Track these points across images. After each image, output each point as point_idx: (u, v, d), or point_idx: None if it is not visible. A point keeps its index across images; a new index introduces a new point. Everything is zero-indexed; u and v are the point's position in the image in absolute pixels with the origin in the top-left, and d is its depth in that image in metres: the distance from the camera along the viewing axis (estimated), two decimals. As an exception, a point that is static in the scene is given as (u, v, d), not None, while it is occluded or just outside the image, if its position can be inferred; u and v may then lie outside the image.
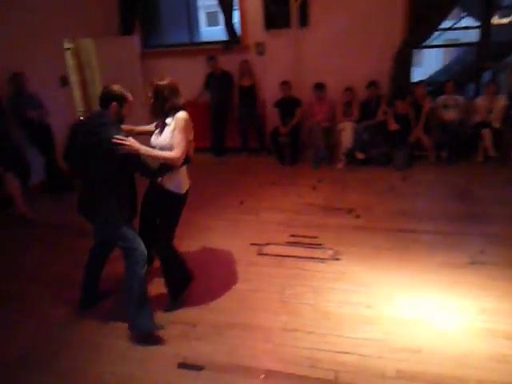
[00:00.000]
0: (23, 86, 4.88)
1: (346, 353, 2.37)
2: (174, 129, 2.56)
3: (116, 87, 2.55)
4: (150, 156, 2.55)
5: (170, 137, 2.58)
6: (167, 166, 2.58)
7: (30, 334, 2.73)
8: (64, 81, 5.81)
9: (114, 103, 2.51)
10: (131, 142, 2.42)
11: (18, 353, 2.56)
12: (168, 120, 2.62)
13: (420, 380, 2.16)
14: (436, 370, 2.22)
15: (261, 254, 3.53)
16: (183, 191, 2.74)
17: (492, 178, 5.02)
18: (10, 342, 2.66)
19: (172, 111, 2.61)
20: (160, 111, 2.64)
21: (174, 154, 2.54)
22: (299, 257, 3.43)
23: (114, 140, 2.35)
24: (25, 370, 2.43)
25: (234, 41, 6.54)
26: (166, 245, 2.80)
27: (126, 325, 2.66)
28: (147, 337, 2.57)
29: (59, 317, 2.88)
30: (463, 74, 8.20)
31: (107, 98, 2.52)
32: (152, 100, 2.63)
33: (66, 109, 5.80)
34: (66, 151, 2.67)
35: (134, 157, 2.45)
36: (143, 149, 2.48)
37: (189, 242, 3.80)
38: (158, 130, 2.71)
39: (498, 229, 3.71)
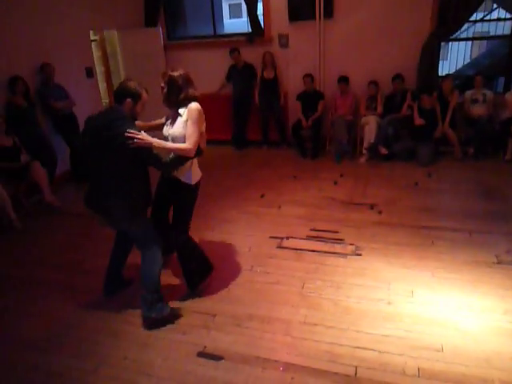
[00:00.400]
0: (51, 76, 4.99)
1: (366, 349, 2.35)
2: (187, 119, 2.56)
3: (132, 84, 2.54)
4: (163, 148, 2.53)
5: (182, 127, 2.57)
6: (180, 158, 2.56)
7: (51, 318, 2.81)
8: (90, 72, 5.90)
9: (129, 100, 2.51)
10: (143, 135, 2.42)
11: (38, 336, 2.64)
12: (181, 110, 2.61)
13: (441, 379, 2.12)
14: (458, 369, 2.18)
15: (280, 247, 3.53)
16: (194, 182, 2.75)
17: (520, 175, 4.86)
18: (31, 327, 2.74)
19: (186, 101, 2.60)
20: (174, 101, 2.62)
21: (187, 145, 2.53)
22: (319, 251, 3.41)
23: (127, 134, 2.36)
24: (45, 353, 2.50)
25: (257, 33, 6.50)
26: (181, 236, 2.83)
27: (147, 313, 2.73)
28: (163, 320, 2.64)
29: (80, 303, 2.95)
30: (493, 67, 7.96)
31: (122, 94, 2.52)
32: (166, 90, 2.62)
33: (92, 99, 5.89)
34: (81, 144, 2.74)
35: (147, 150, 2.45)
36: (156, 141, 2.48)
37: (209, 233, 3.85)
38: (169, 121, 2.71)
39: (526, 228, 3.60)
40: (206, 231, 3.89)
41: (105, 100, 6.76)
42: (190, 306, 2.83)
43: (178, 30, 7.43)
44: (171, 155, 2.56)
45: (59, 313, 2.87)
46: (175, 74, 2.60)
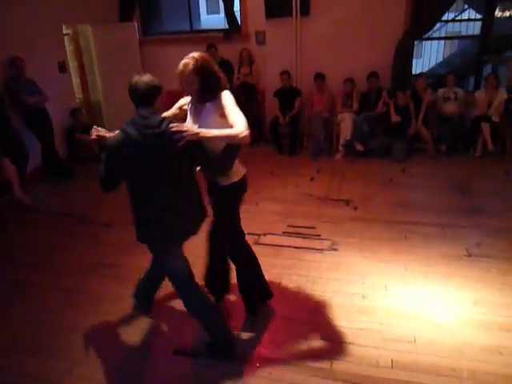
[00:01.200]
0: (22, 71, 4.83)
1: (342, 342, 2.39)
2: (221, 110, 2.11)
3: (155, 78, 2.10)
4: (213, 138, 2.05)
5: (219, 122, 2.11)
6: (233, 150, 2.14)
7: (23, 319, 2.75)
8: (62, 66, 5.76)
9: (159, 97, 2.11)
10: (186, 126, 2.04)
11: (10, 337, 2.58)
12: (208, 104, 2.16)
13: (414, 370, 2.18)
14: (430, 360, 2.24)
15: (258, 243, 3.54)
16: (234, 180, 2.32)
17: (490, 171, 5.02)
18: (3, 328, 2.68)
19: (219, 91, 2.15)
20: (215, 92, 2.14)
21: (241, 128, 2.00)
22: (296, 247, 3.44)
23: (172, 129, 1.98)
24: (18, 354, 2.45)
25: (234, 29, 6.48)
26: (234, 244, 2.46)
27: (119, 310, 2.73)
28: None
29: (53, 302, 2.89)
30: (464, 67, 8.18)
31: (154, 93, 2.07)
32: (200, 83, 2.10)
33: (65, 95, 5.76)
34: (108, 176, 2.12)
35: (199, 145, 2.06)
36: (203, 131, 2.02)
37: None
38: (191, 119, 2.26)
39: (495, 222, 3.72)
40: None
41: (78, 95, 6.60)
42: (164, 304, 2.81)
43: (154, 25, 7.34)
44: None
45: (31, 312, 2.80)
46: (200, 57, 2.11)
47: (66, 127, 5.81)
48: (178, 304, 2.77)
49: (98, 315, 2.73)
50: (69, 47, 6.33)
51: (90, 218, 4.20)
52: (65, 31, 6.09)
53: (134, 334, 2.55)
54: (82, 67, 6.63)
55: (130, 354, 2.41)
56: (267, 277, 2.71)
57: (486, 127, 5.34)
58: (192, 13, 7.17)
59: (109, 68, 6.45)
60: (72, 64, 6.37)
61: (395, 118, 5.58)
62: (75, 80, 6.49)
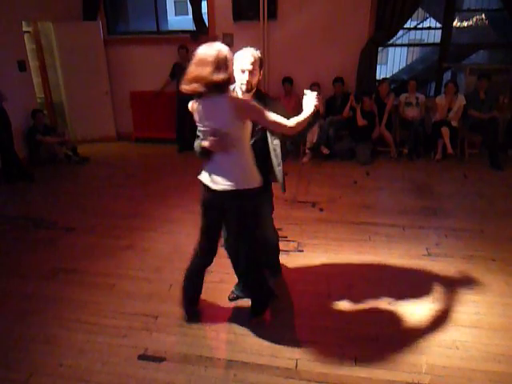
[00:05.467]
0: (-23, 69, 4.64)
1: (307, 341, 2.42)
2: (242, 114, 2.18)
3: None
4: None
5: (236, 126, 2.18)
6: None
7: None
8: (22, 65, 5.55)
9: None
10: None
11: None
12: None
13: (376, 367, 2.23)
14: (392, 357, 2.30)
15: (225, 245, 3.53)
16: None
17: (449, 174, 5.24)
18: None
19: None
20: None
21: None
22: (263, 249, 3.45)
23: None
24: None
25: (201, 31, 6.46)
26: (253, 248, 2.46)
27: (85, 318, 2.65)
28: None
29: (15, 309, 2.77)
30: (426, 73, 8.49)
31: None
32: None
33: (24, 94, 5.56)
34: None
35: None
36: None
37: (151, 234, 3.77)
38: (203, 113, 2.29)
39: (453, 223, 3.88)
40: (148, 232, 3.81)
41: (39, 96, 6.38)
42: (129, 308, 2.75)
43: (120, 24, 7.21)
44: None
45: (-14, 322, 2.67)
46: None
47: (27, 129, 5.60)
48: (141, 308, 2.73)
49: (59, 322, 2.64)
50: (29, 45, 6.12)
51: (50, 221, 4.06)
52: (25, 29, 5.89)
53: (96, 341, 2.48)
54: (43, 66, 6.43)
55: (93, 361, 2.34)
56: (231, 278, 2.70)
57: (445, 131, 5.56)
58: (159, 13, 7.09)
59: (72, 67, 6.29)
60: (33, 63, 6.16)
61: (362, 122, 5.72)
62: (36, 80, 6.28)
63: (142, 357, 2.34)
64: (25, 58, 5.65)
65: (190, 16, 6.65)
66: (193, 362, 2.29)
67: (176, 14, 18.05)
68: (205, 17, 6.51)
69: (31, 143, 5.63)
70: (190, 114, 2.33)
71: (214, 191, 2.27)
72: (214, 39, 6.30)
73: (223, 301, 2.81)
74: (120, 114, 6.85)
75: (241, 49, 2.37)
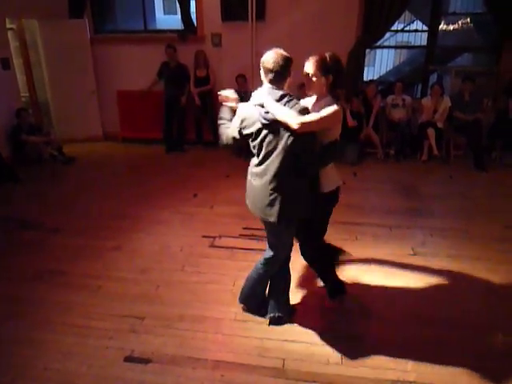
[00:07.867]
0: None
1: (294, 341, 2.43)
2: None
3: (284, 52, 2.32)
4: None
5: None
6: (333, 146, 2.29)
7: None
8: (6, 63, 5.46)
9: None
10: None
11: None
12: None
13: (362, 365, 2.26)
14: (377, 355, 2.32)
15: (213, 246, 3.53)
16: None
17: (435, 175, 5.31)
18: None
19: None
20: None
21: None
22: (251, 249, 3.45)
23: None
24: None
25: (190, 31, 6.44)
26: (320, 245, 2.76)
27: (71, 320, 2.62)
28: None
29: (1, 312, 2.74)
30: (412, 75, 8.59)
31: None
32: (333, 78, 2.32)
33: (8, 93, 5.47)
34: None
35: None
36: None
37: (139, 235, 3.75)
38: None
39: (439, 222, 3.94)
40: (136, 233, 3.78)
41: (24, 94, 6.28)
42: (117, 310, 2.73)
43: (107, 23, 7.12)
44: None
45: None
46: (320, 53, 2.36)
47: (11, 128, 5.51)
48: (128, 309, 2.71)
49: (45, 325, 2.60)
50: (13, 43, 6.03)
51: (36, 222, 4.01)
52: (8, 26, 5.79)
53: (83, 343, 2.46)
54: (27, 64, 6.33)
55: (79, 363, 2.31)
56: (219, 278, 2.69)
57: (431, 133, 5.63)
58: (147, 12, 7.05)
59: (57, 66, 6.21)
60: (17, 61, 6.06)
61: (352, 123, 5.75)
62: (20, 78, 6.17)
63: (129, 358, 2.32)
64: (9, 56, 5.56)
65: (179, 15, 6.62)
66: (180, 364, 2.29)
67: (165, 13, 17.92)
68: (193, 16, 6.48)
69: (16, 143, 5.54)
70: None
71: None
72: (203, 39, 6.35)
73: (210, 301, 2.80)
74: (107, 114, 6.79)
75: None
